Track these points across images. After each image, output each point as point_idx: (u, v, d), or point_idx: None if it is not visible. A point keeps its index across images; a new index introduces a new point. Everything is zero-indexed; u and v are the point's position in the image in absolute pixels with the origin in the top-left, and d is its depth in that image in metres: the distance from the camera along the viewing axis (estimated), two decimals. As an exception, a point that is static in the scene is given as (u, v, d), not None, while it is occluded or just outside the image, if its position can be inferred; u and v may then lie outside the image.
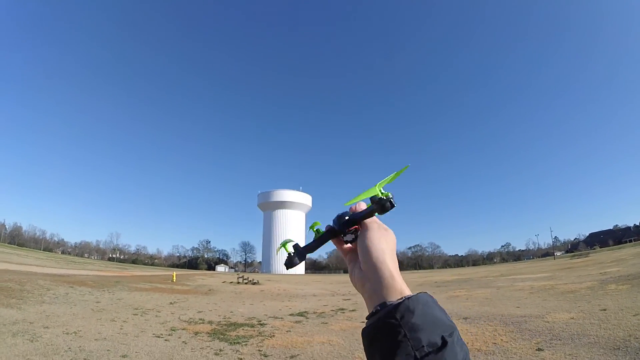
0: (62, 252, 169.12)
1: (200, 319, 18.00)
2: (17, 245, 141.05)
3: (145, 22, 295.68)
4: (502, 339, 12.15)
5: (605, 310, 15.28)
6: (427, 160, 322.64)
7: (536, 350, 10.37)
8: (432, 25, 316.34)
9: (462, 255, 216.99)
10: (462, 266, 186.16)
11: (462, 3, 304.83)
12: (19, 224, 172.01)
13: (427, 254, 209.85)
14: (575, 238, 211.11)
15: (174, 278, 51.21)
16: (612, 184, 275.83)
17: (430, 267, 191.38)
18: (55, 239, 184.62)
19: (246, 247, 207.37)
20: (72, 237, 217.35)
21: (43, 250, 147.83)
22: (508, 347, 10.96)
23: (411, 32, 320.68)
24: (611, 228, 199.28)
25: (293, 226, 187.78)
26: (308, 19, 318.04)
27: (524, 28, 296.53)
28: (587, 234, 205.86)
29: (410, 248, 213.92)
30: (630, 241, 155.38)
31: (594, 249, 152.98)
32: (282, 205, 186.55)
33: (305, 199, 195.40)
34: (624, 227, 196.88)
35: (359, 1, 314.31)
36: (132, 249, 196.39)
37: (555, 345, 10.64)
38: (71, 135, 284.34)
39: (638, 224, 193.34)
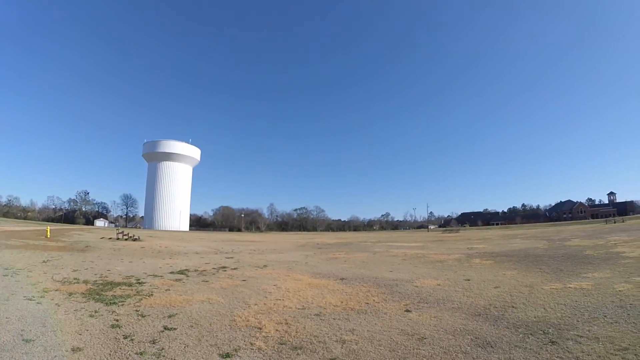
0: None
1: (75, 279, 17.58)
2: None
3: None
4: (374, 300, 13.34)
5: (469, 280, 17.15)
6: (318, 128, 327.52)
7: (405, 311, 11.57)
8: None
9: (344, 221, 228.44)
10: (344, 230, 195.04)
11: None
12: None
13: (312, 216, 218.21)
14: (449, 215, 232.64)
15: (48, 233, 48.63)
16: (487, 171, 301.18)
17: (314, 229, 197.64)
18: None
19: (128, 201, 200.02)
20: None
21: None
22: (379, 307, 12.10)
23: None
24: (481, 211, 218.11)
25: (179, 180, 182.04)
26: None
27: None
28: (460, 213, 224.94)
29: (296, 210, 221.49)
30: (498, 224, 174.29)
31: (464, 226, 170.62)
32: (169, 157, 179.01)
33: (194, 152, 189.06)
34: (493, 211, 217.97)
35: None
36: (3, 200, 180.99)
37: (422, 308, 11.91)
38: None
39: (506, 210, 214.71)
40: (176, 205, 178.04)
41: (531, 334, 8.81)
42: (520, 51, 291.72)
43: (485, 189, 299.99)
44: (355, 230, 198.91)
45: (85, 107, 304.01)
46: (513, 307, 11.59)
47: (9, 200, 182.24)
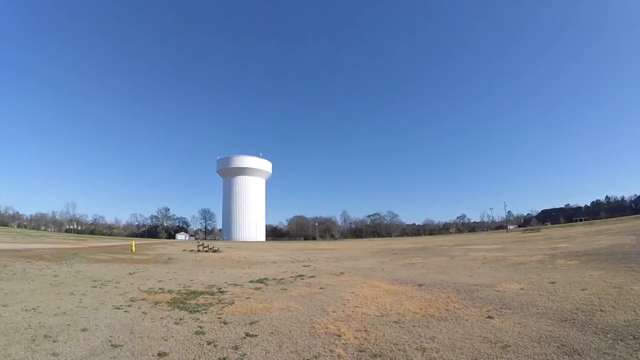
0: (18, 226, 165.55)
1: (160, 289, 18.16)
2: None
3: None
4: (454, 306, 12.79)
5: (554, 283, 16.12)
6: (389, 132, 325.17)
7: (487, 317, 10.97)
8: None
9: (419, 225, 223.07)
10: (419, 235, 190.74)
11: None
12: None
13: (385, 222, 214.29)
14: (528, 214, 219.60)
15: (133, 248, 50.85)
16: (567, 165, 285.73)
17: (389, 235, 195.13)
18: (10, 212, 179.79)
19: (206, 215, 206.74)
20: (27, 210, 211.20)
21: None
22: (460, 314, 11.56)
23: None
24: (563, 207, 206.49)
25: (253, 193, 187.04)
26: None
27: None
28: (540, 211, 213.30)
29: (369, 216, 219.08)
30: (581, 220, 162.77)
31: (546, 225, 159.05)
32: (242, 171, 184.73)
33: (266, 165, 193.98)
34: (575, 206, 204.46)
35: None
36: (90, 219, 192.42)
37: (505, 314, 11.27)
38: (19, 104, 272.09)
39: (589, 204, 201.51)
40: (252, 216, 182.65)
41: (621, 340, 8.08)
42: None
43: (565, 183, 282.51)
44: (430, 234, 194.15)
45: (159, 126, 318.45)
46: (601, 310, 10.73)
47: (95, 219, 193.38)
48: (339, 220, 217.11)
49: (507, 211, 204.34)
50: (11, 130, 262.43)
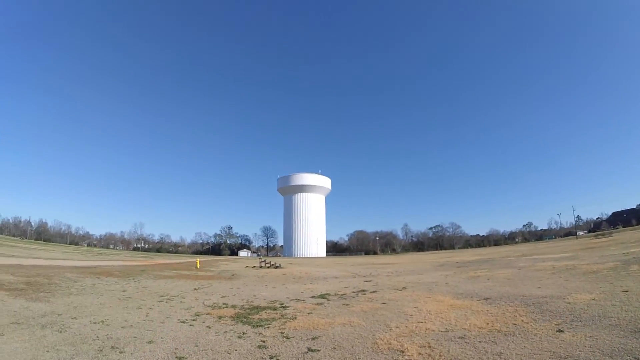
0: (88, 245, 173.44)
1: (223, 304, 18.34)
2: (43, 241, 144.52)
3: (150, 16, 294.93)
4: (522, 320, 12.17)
5: (627, 291, 15.15)
6: (448, 141, 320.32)
7: (557, 331, 10.37)
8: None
9: (483, 235, 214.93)
10: (484, 246, 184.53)
11: None
12: (44, 220, 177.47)
13: (448, 234, 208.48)
14: (598, 217, 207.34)
15: (198, 264, 52.06)
16: (636, 162, 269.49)
17: (452, 247, 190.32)
18: (81, 232, 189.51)
19: (268, 232, 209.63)
20: (97, 230, 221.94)
21: (69, 244, 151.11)
22: (528, 328, 10.99)
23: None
24: (635, 207, 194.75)
25: (313, 209, 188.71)
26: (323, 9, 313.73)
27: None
28: (610, 213, 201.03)
29: (431, 228, 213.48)
30: None
31: (617, 228, 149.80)
32: (301, 188, 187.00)
33: (325, 182, 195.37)
34: None
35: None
36: (156, 238, 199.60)
37: (576, 327, 10.62)
38: (89, 132, 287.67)
39: None
40: (312, 232, 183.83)
41: None
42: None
43: (636, 179, 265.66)
44: (495, 244, 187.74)
45: (220, 147, 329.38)
46: None
47: (162, 238, 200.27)
48: (400, 234, 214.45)
49: (575, 216, 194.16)
50: (82, 154, 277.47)
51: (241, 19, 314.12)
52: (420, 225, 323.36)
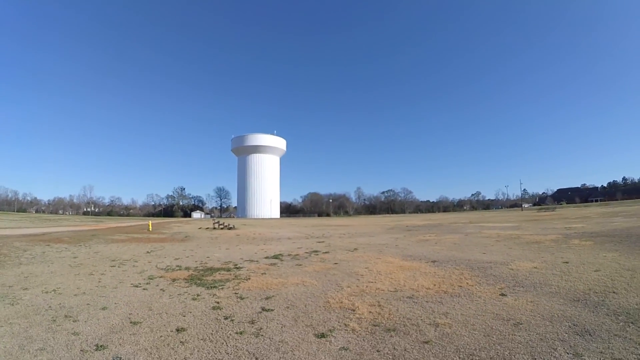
0: (36, 211, 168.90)
1: (177, 266, 18.42)
2: None
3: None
4: (467, 283, 12.80)
5: (567, 263, 16.00)
6: (403, 110, 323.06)
7: (499, 295, 10.96)
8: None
9: (433, 202, 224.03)
10: (433, 212, 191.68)
11: None
12: None
13: (399, 199, 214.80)
14: (544, 192, 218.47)
15: (150, 227, 51.50)
16: (584, 144, 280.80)
17: (403, 211, 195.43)
18: (28, 198, 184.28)
19: (221, 193, 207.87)
20: (45, 195, 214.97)
21: (17, 211, 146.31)
22: (473, 291, 11.57)
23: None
24: (579, 186, 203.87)
25: (268, 170, 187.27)
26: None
27: None
28: (555, 190, 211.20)
29: (383, 193, 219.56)
30: (597, 201, 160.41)
31: (561, 204, 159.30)
32: (256, 149, 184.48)
33: (280, 143, 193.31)
34: (591, 186, 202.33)
35: None
36: (107, 201, 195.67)
37: (518, 292, 11.24)
38: (36, 91, 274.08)
39: (605, 185, 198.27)
40: (266, 194, 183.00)
41: (632, 323, 8.01)
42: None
43: (582, 162, 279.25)
44: (444, 211, 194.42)
45: (172, 108, 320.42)
46: (614, 292, 10.63)
47: (112, 201, 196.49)
48: (353, 197, 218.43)
49: (522, 189, 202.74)
50: (28, 118, 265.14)
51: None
52: (373, 189, 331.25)
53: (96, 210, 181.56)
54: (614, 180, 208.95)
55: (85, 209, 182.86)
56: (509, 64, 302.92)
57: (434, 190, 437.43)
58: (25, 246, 25.10)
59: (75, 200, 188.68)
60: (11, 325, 8.85)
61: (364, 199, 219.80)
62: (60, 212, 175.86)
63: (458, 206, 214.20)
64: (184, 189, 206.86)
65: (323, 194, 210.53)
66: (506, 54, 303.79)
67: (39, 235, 33.97)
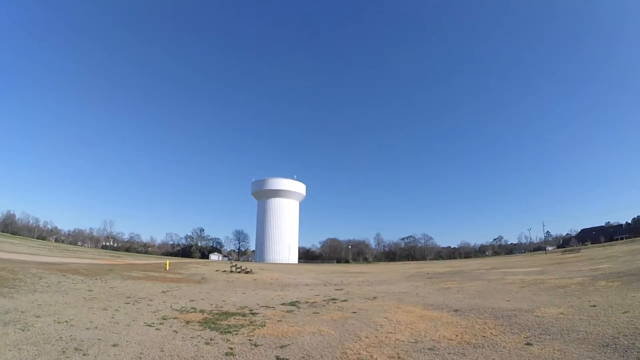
0: (56, 240, 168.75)
1: (192, 308, 18.14)
2: (10, 233, 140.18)
3: (146, 19, 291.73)
4: (491, 332, 12.29)
5: (595, 306, 15.43)
6: (423, 155, 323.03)
7: (525, 344, 10.49)
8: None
9: (454, 248, 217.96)
10: (455, 258, 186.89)
11: None
12: (12, 212, 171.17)
13: (420, 245, 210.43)
14: (567, 233, 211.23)
15: (167, 266, 51.37)
16: (605, 181, 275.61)
17: (423, 258, 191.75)
18: (49, 226, 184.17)
19: (240, 236, 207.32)
20: (65, 225, 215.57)
21: (36, 238, 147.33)
22: (497, 341, 11.09)
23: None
24: (603, 225, 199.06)
25: (287, 215, 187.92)
26: (309, 16, 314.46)
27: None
28: (579, 230, 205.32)
29: (403, 239, 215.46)
30: (622, 238, 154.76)
31: (586, 244, 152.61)
32: (276, 193, 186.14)
33: (300, 187, 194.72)
34: (615, 224, 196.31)
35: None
36: (126, 237, 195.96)
37: (544, 340, 10.77)
38: (65, 126, 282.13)
39: (630, 222, 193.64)
40: (285, 238, 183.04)
41: None
42: None
43: (605, 199, 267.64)
44: (466, 257, 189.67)
45: (195, 149, 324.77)
46: None
47: (131, 237, 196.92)
48: (372, 243, 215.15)
49: (545, 232, 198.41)
50: (54, 148, 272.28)
51: (225, 22, 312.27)
52: (393, 235, 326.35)
53: (115, 245, 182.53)
54: (638, 216, 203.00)
55: (104, 243, 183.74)
56: (539, 117, 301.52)
57: (455, 236, 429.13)
58: (42, 274, 25.15)
59: (95, 234, 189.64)
60: (20, 351, 8.71)
61: (384, 245, 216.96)
62: (80, 243, 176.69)
63: (480, 252, 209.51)
64: (203, 230, 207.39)
65: (342, 239, 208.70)
66: (530, 107, 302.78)
67: (56, 264, 34.11)
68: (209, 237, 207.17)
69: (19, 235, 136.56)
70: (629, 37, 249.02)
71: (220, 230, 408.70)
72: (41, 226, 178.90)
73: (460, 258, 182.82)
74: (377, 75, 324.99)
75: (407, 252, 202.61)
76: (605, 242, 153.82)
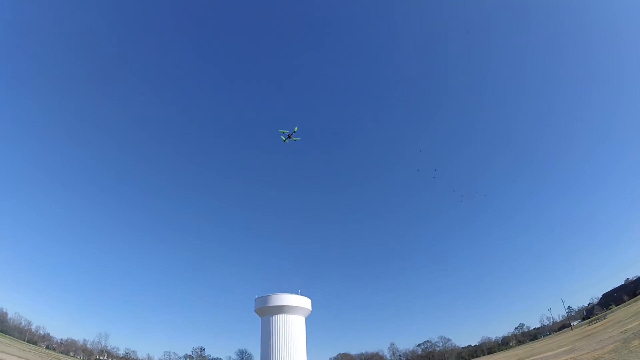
0: (47, 347, 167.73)
1: None
2: (0, 332, 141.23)
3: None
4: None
5: None
6: (428, 252, 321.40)
7: None
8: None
9: (475, 345, 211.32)
10: (477, 356, 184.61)
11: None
12: (4, 310, 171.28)
13: (438, 349, 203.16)
14: (590, 303, 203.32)
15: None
16: (615, 240, 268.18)
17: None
18: (41, 332, 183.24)
19: (243, 355, 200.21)
20: (58, 333, 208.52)
21: (27, 342, 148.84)
22: None
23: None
24: (623, 283, 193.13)
25: (293, 332, 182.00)
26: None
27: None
28: (600, 296, 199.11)
29: (419, 345, 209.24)
30: None
31: (610, 309, 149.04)
32: (280, 310, 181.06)
33: (305, 302, 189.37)
34: (635, 278, 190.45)
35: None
36: (121, 352, 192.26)
37: None
38: (65, 228, 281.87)
39: None
40: (292, 356, 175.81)
41: None
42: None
43: (617, 256, 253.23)
44: (489, 353, 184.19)
45: (194, 265, 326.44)
46: None
47: (127, 353, 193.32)
48: (387, 354, 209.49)
49: (566, 307, 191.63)
50: (48, 255, 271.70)
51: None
52: (408, 342, 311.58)
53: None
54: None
55: (97, 357, 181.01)
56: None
57: (474, 333, 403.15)
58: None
59: (88, 346, 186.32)
60: None
61: (400, 355, 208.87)
62: (72, 354, 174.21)
63: (503, 344, 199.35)
64: (204, 349, 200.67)
65: (354, 353, 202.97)
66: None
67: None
68: (210, 357, 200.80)
69: (10, 336, 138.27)
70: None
71: (222, 350, 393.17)
72: (33, 330, 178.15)
73: (484, 355, 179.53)
74: (383, 178, 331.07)
75: (426, 359, 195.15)
76: (629, 299, 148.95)
